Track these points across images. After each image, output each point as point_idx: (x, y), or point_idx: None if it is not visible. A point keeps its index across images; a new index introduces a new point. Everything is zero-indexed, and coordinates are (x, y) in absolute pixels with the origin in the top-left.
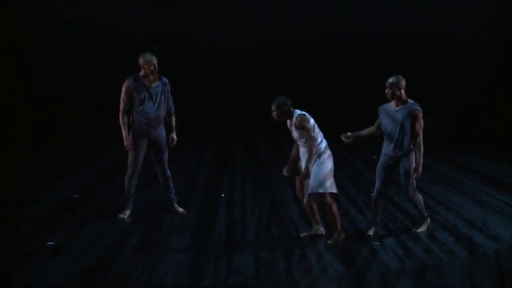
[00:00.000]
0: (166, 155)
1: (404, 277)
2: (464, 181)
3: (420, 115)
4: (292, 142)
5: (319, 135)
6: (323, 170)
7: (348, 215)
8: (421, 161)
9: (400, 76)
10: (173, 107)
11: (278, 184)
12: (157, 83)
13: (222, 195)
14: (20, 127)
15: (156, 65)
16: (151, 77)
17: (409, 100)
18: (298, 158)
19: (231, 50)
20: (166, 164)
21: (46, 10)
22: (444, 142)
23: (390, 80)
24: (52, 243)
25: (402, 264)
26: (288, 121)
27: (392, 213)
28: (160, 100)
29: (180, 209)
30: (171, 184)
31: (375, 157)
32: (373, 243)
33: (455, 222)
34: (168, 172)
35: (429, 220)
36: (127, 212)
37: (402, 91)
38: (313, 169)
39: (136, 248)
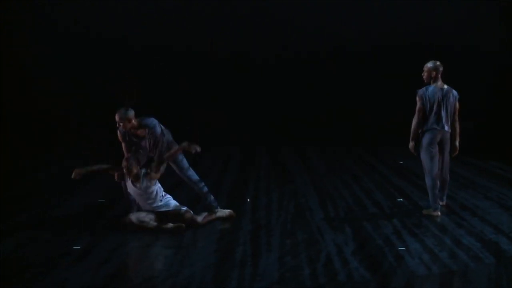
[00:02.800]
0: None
1: (430, 283)
2: (489, 187)
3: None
4: None
5: None
6: None
7: (373, 221)
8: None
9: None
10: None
11: (303, 190)
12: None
13: (248, 200)
14: (43, 131)
15: (126, 122)
16: (132, 131)
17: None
18: None
19: (256, 56)
20: (189, 173)
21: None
22: (468, 148)
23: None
24: (78, 247)
25: (428, 270)
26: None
27: (417, 218)
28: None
29: (226, 211)
30: (205, 190)
31: (401, 162)
32: (399, 248)
33: (482, 227)
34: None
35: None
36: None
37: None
38: None
39: (160, 253)
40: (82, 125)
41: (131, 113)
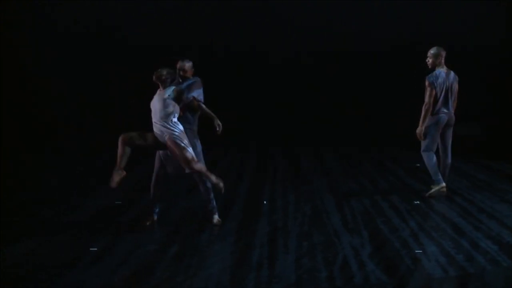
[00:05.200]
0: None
1: (446, 286)
2: (507, 189)
3: (426, 83)
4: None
5: None
6: None
7: (390, 223)
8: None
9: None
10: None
11: (319, 192)
12: None
13: (265, 202)
14: (59, 134)
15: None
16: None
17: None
18: None
19: (272, 57)
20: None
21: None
22: (485, 150)
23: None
24: (95, 249)
25: (445, 273)
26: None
27: (434, 220)
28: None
29: (215, 219)
30: (211, 195)
31: (418, 165)
32: (416, 251)
33: (499, 230)
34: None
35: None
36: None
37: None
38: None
39: (177, 255)
40: (92, 126)
41: (189, 64)
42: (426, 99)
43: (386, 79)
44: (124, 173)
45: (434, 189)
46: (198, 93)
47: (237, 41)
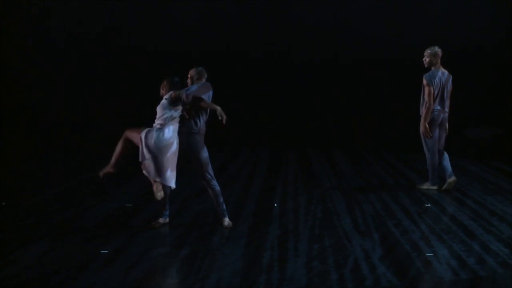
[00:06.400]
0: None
1: None
2: None
3: (424, 80)
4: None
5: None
6: None
7: (401, 226)
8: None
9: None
10: None
11: (330, 195)
12: None
13: (275, 205)
14: (70, 136)
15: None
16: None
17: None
18: None
19: (287, 63)
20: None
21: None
22: (497, 153)
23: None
24: (106, 251)
25: (455, 276)
26: None
27: (445, 223)
28: None
29: (226, 222)
30: (221, 199)
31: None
32: (427, 253)
33: (510, 233)
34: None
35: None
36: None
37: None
38: None
39: (188, 258)
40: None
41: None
42: (426, 97)
43: (397, 84)
44: (112, 170)
45: (427, 186)
46: (195, 92)
47: (251, 42)
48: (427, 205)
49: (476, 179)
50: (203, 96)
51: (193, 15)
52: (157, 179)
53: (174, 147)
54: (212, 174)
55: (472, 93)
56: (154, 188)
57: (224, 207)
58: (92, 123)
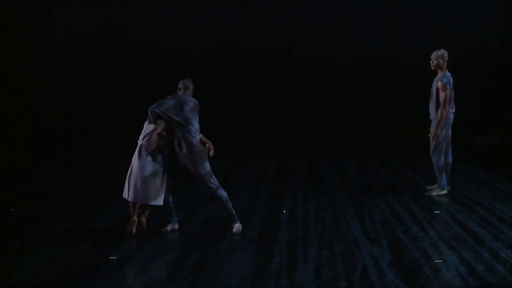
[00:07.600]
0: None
1: None
2: None
3: (440, 84)
4: None
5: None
6: None
7: (410, 232)
8: (435, 129)
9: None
10: None
11: (340, 201)
12: None
13: (284, 211)
14: (80, 143)
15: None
16: None
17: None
18: None
19: (285, 63)
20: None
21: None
22: (506, 160)
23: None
24: (115, 257)
25: (464, 283)
26: None
27: (455, 230)
28: None
29: (235, 228)
30: (229, 205)
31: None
32: (436, 260)
33: None
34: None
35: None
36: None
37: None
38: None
39: (197, 264)
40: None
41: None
42: (442, 100)
43: (405, 90)
44: (136, 219)
45: (436, 192)
46: (162, 108)
47: (256, 47)
48: (436, 211)
49: (485, 186)
50: (172, 114)
51: (193, 15)
52: (149, 202)
53: (156, 164)
54: (216, 183)
55: (474, 98)
56: (130, 224)
57: (234, 212)
58: (92, 124)
